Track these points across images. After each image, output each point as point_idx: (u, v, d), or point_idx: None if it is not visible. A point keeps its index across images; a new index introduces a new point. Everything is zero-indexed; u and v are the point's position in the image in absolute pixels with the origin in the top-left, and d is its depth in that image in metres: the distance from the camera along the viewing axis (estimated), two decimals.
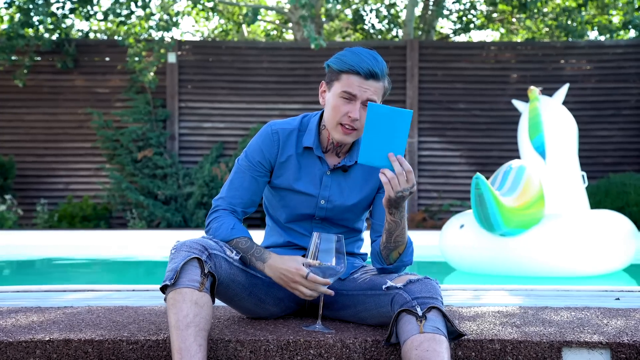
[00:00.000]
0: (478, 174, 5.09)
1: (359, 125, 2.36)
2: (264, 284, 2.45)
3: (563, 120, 6.43)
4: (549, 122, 6.37)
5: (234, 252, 2.39)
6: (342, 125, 2.37)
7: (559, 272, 5.54)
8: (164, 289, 2.24)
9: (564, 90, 6.75)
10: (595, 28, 13.66)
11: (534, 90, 6.64)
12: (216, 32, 16.10)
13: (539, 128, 6.35)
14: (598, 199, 9.79)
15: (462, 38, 15.65)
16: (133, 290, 3.49)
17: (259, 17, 13.79)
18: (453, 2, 14.29)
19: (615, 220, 5.94)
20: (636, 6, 12.75)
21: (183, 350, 2.10)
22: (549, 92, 10.48)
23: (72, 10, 11.08)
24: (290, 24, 14.09)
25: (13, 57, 10.66)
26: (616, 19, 13.94)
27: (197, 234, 8.99)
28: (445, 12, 14.27)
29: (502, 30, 15.60)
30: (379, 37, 14.86)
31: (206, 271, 2.24)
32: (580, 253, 5.50)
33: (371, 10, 14.80)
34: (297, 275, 2.27)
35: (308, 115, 2.55)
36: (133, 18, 11.52)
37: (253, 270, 2.43)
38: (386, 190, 2.23)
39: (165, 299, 2.23)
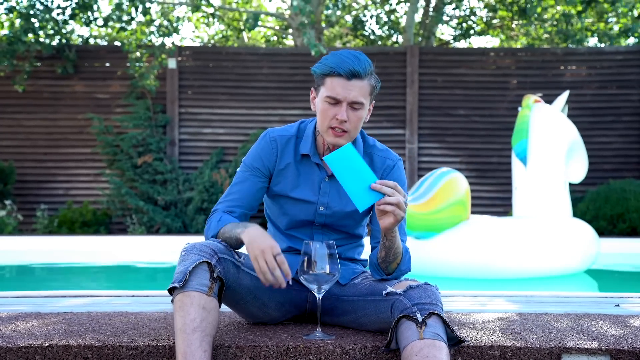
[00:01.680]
0: None
1: (349, 127, 2.36)
2: (268, 287, 2.45)
3: (553, 127, 6.46)
4: (537, 129, 6.42)
5: (242, 256, 2.40)
6: (332, 128, 2.37)
7: (470, 273, 5.67)
8: (171, 291, 2.23)
9: (564, 97, 6.78)
10: (595, 35, 13.68)
11: (527, 98, 6.68)
12: (216, 37, 16.12)
13: (522, 135, 6.42)
14: (598, 205, 9.79)
15: (462, 44, 15.67)
16: (133, 296, 3.49)
17: (259, 23, 13.81)
18: (453, 9, 14.31)
19: (553, 226, 6.01)
20: (636, 14, 12.78)
21: (188, 354, 2.10)
22: (549, 98, 10.50)
23: (72, 16, 11.09)
24: (290, 30, 14.11)
25: (14, 62, 10.66)
26: (616, 26, 13.95)
27: (197, 239, 8.99)
28: (445, 18, 14.29)
29: (502, 36, 15.62)
30: (379, 43, 14.87)
31: (215, 275, 2.24)
32: (489, 256, 5.65)
33: (371, 17, 14.82)
34: (269, 248, 2.22)
35: (305, 122, 2.56)
36: (133, 24, 11.54)
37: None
38: (395, 215, 2.22)
39: (172, 301, 2.22)
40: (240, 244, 2.35)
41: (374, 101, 2.47)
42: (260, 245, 2.23)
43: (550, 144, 6.40)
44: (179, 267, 2.25)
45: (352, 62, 2.33)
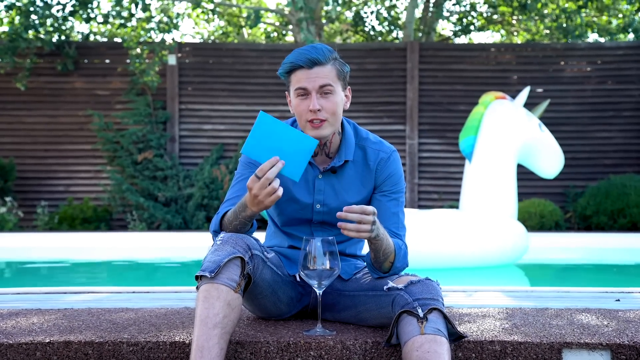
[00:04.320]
0: None
1: (325, 114, 2.36)
2: (283, 281, 2.46)
3: (504, 125, 6.42)
4: (487, 126, 6.41)
5: (272, 253, 2.41)
6: (310, 121, 2.37)
7: None
8: (196, 278, 2.22)
9: (524, 93, 6.75)
10: (595, 30, 13.66)
11: (486, 95, 6.66)
12: (216, 34, 16.11)
13: (470, 131, 6.43)
14: (598, 201, 9.80)
15: (463, 40, 15.65)
16: (133, 292, 3.49)
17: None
18: (453, 5, 14.29)
19: (455, 219, 6.10)
20: (636, 8, 12.76)
21: (205, 349, 2.09)
22: (549, 93, 10.51)
23: (72, 13, 11.08)
24: (290, 26, 14.10)
25: (15, 60, 10.65)
26: (615, 21, 13.94)
27: (197, 236, 9.00)
28: (446, 13, 14.28)
29: (503, 32, 15.60)
30: (379, 39, 14.86)
31: (245, 272, 2.23)
32: None
33: (371, 12, 14.80)
34: (251, 180, 2.21)
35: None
36: (133, 21, 11.52)
37: (276, 268, 2.43)
38: (358, 235, 2.21)
39: (197, 287, 2.20)
40: (251, 217, 2.32)
41: (349, 87, 2.46)
42: (249, 197, 2.24)
43: (498, 142, 6.38)
44: (212, 256, 2.22)
45: (309, 52, 2.35)
